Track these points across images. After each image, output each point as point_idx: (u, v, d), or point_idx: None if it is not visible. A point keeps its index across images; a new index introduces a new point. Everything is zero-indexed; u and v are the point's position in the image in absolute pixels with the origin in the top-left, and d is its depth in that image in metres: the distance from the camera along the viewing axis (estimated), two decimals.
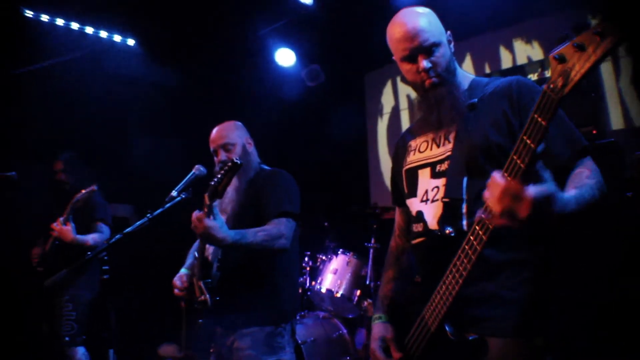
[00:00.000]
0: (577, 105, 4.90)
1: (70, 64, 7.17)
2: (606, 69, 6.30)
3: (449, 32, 2.46)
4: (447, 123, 2.41)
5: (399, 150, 2.76)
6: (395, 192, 2.79)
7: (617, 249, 4.36)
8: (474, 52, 7.59)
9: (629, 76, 6.15)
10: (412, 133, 2.69)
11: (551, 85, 1.60)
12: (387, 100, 8.55)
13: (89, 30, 7.41)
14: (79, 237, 5.25)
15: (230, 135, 3.80)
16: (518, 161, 1.74)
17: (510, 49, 7.23)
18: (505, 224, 1.72)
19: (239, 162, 3.09)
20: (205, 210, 3.14)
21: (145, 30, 7.70)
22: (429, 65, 2.34)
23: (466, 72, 2.60)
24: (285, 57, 8.38)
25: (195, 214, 3.15)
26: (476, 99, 2.36)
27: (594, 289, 4.35)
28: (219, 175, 3.14)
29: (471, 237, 1.93)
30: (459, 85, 2.45)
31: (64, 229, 5.20)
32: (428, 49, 2.34)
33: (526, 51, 7.05)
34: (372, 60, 8.35)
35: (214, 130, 3.86)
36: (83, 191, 5.20)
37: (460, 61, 7.59)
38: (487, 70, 7.34)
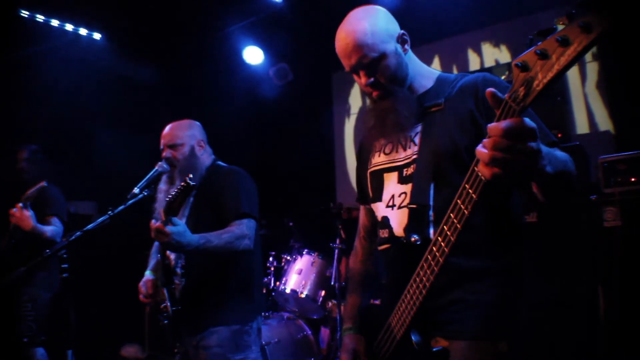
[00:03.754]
0: (543, 109, 4.94)
1: (35, 56, 7.04)
2: (572, 73, 6.37)
3: (401, 32, 2.33)
4: (395, 135, 2.35)
5: (363, 149, 2.68)
6: (360, 192, 2.71)
7: (581, 251, 4.39)
8: (443, 55, 7.62)
9: (595, 81, 6.23)
10: (377, 130, 2.50)
11: (513, 95, 1.48)
12: (354, 101, 8.52)
13: (55, 22, 7.28)
14: (39, 226, 5.12)
15: (180, 135, 3.75)
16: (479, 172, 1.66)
17: (479, 52, 7.27)
18: (497, 175, 1.49)
19: (192, 183, 3.01)
20: (163, 219, 3.08)
21: (112, 24, 7.61)
22: (371, 80, 2.26)
23: (432, 68, 2.50)
24: (253, 55, 8.34)
25: (154, 224, 3.09)
26: (442, 99, 2.26)
27: (558, 292, 4.38)
28: (173, 193, 3.07)
29: (434, 248, 1.88)
30: (414, 89, 2.36)
31: (25, 214, 5.04)
32: (368, 65, 2.24)
33: (494, 54, 7.09)
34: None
35: (166, 128, 3.81)
36: (33, 188, 5.06)
37: (429, 63, 7.56)
38: (455, 72, 7.37)
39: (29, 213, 5.04)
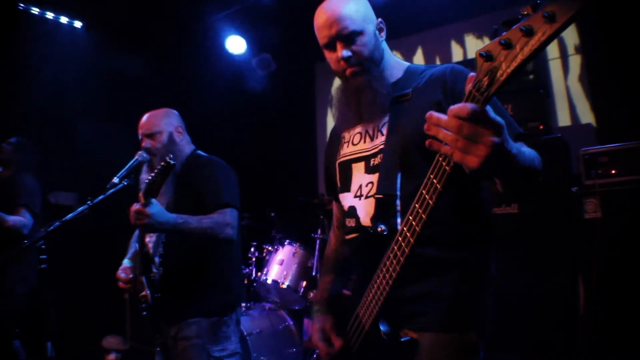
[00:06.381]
0: (526, 101, 4.97)
1: (15, 45, 6.96)
2: (555, 66, 6.41)
3: (379, 20, 2.38)
4: (369, 116, 2.35)
5: (332, 142, 2.69)
6: (329, 185, 2.73)
7: (562, 243, 4.42)
8: (426, 46, 7.63)
9: (577, 74, 6.26)
10: (345, 123, 2.55)
11: (477, 85, 1.46)
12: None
13: (35, 10, 7.21)
14: (1, 213, 4.98)
15: (157, 123, 3.72)
16: (443, 163, 1.64)
17: (462, 43, 7.29)
18: (461, 160, 1.47)
19: (172, 162, 3.02)
20: (143, 202, 3.08)
21: (93, 12, 7.53)
22: (348, 54, 2.25)
23: (400, 60, 2.51)
24: (236, 44, 8.29)
25: (134, 207, 3.10)
26: (410, 89, 2.27)
27: (538, 283, 4.41)
28: (153, 174, 3.07)
29: (399, 238, 1.86)
30: (385, 76, 2.36)
31: None
32: (347, 37, 2.25)
33: (477, 46, 7.09)
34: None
35: (143, 117, 3.79)
36: None
37: (412, 54, 7.65)
38: (438, 64, 7.38)
39: None
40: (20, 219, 5.10)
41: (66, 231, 3.13)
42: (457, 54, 7.33)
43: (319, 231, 6.04)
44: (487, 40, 6.87)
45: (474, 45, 7.17)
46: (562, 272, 4.38)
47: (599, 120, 6.11)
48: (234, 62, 8.60)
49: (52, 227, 3.11)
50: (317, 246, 5.91)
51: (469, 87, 1.49)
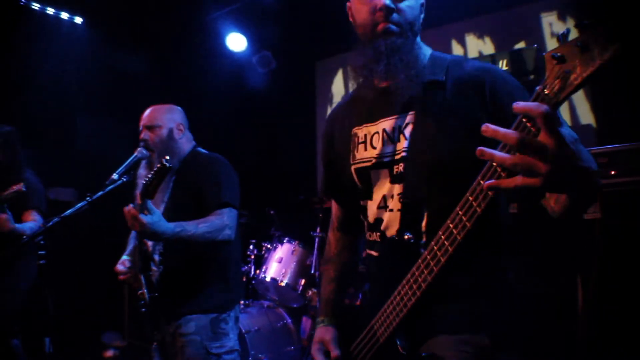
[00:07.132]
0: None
1: (15, 40, 6.96)
2: None
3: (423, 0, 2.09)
4: (390, 105, 2.02)
5: (335, 132, 2.37)
6: (329, 183, 2.45)
7: (561, 243, 4.42)
8: (426, 44, 7.61)
9: None
10: (356, 115, 2.22)
11: (546, 90, 1.33)
12: (337, 90, 8.49)
13: (36, 5, 7.20)
14: (18, 226, 4.74)
15: (158, 117, 3.72)
16: (498, 169, 1.47)
17: (462, 43, 7.27)
18: (520, 185, 1.31)
19: (168, 165, 2.99)
20: (139, 205, 3.06)
21: (94, 9, 7.52)
22: (392, 5, 1.92)
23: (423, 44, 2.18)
24: (236, 42, 8.28)
25: (129, 209, 3.05)
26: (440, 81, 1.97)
27: (537, 283, 4.41)
28: (150, 176, 3.05)
29: (434, 247, 1.71)
30: (418, 57, 2.06)
31: (1, 217, 4.82)
32: None
33: (477, 45, 7.09)
34: (323, 48, 8.32)
35: (146, 110, 3.79)
36: (11, 189, 4.81)
37: None
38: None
39: (5, 216, 4.75)
40: (35, 224, 5.00)
41: (65, 227, 3.12)
42: (457, 54, 7.30)
43: (318, 229, 6.04)
44: (487, 40, 6.89)
45: (474, 44, 7.15)
46: (561, 273, 4.38)
47: (599, 121, 6.10)
48: (235, 60, 8.59)
49: (51, 223, 3.10)
50: (316, 244, 5.92)
51: (538, 88, 1.36)
